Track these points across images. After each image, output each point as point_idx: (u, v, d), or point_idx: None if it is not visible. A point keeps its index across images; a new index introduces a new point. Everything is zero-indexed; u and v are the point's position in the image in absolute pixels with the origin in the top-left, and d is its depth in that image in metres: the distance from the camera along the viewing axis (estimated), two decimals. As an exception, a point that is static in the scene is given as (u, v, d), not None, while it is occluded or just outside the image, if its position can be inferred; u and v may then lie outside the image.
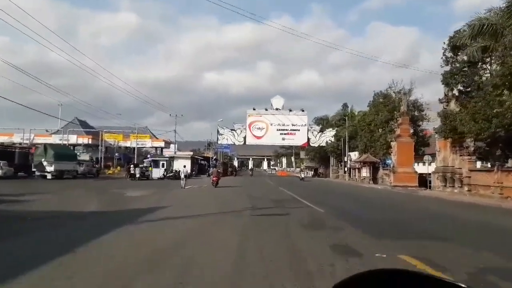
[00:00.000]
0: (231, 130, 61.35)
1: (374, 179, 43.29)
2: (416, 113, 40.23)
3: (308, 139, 61.28)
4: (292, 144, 66.35)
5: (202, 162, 70.03)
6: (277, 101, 61.72)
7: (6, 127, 58.37)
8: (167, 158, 45.55)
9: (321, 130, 61.93)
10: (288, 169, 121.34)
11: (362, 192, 26.84)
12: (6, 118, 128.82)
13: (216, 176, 28.75)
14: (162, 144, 69.22)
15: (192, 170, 56.42)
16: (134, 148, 73.21)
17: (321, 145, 61.42)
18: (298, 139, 61.38)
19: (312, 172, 77.37)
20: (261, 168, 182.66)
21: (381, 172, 42.78)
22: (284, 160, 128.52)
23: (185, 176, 29.91)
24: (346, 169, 53.30)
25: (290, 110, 61.09)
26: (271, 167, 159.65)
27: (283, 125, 60.97)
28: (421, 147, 41.15)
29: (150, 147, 70.55)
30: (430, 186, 30.55)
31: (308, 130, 61.41)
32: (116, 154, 59.49)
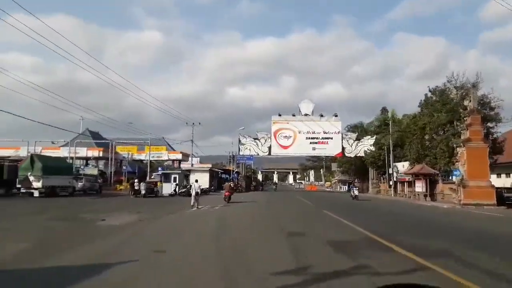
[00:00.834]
0: (254, 139, 54.34)
1: (432, 195, 34.90)
2: (487, 112, 31.87)
3: (343, 148, 53.36)
4: (324, 155, 58.46)
5: (223, 175, 63.22)
6: (306, 105, 54.43)
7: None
8: (179, 171, 38.85)
9: (358, 138, 53.90)
10: (316, 183, 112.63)
11: (453, 218, 18.48)
12: (28, 134, 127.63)
13: (228, 191, 26.34)
14: (179, 156, 62.94)
15: (210, 185, 49.68)
16: (150, 161, 67.69)
17: (358, 155, 53.33)
18: (331, 149, 53.57)
19: (346, 187, 68.80)
20: (286, 182, 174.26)
21: (440, 186, 34.38)
22: (311, 173, 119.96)
23: (197, 193, 23.04)
24: (391, 182, 44.93)
25: (322, 116, 53.57)
26: (297, 181, 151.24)
27: (313, 132, 53.43)
28: (492, 155, 32.64)
29: (167, 159, 64.45)
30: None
31: (342, 138, 53.56)
32: (124, 167, 53.47)
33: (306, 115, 53.61)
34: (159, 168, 45.65)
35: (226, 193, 25.87)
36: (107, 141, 59.67)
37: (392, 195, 44.26)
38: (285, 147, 53.70)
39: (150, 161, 66.72)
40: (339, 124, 53.77)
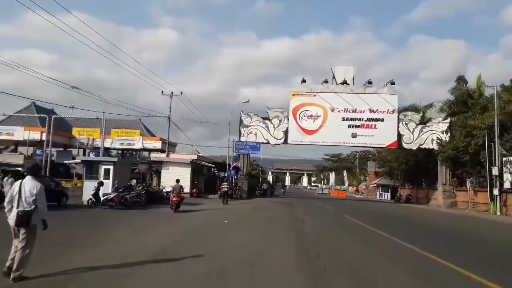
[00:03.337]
0: (263, 119, 36.09)
1: None
2: None
3: (400, 135, 34.73)
4: (369, 145, 39.54)
5: (219, 173, 45.26)
6: (343, 71, 35.94)
7: None
8: (115, 160, 20.61)
9: (423, 122, 35.25)
10: (338, 187, 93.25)
11: None
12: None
13: (176, 195, 17.31)
14: (159, 144, 45.01)
15: (193, 185, 31.76)
16: (123, 149, 50.14)
17: (422, 146, 34.68)
18: (381, 136, 34.93)
19: (389, 194, 49.93)
20: (300, 184, 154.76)
21: None
22: (331, 175, 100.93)
23: (21, 219, 4.31)
24: (495, 192, 26.04)
25: (370, 83, 35.08)
26: (313, 184, 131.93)
27: (355, 111, 34.99)
28: None
29: (140, 148, 46.74)
30: None
31: (399, 120, 34.92)
32: (39, 151, 35.58)
33: (344, 83, 35.08)
34: (91, 154, 27.85)
35: (173, 199, 17.34)
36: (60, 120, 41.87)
37: (497, 213, 25.51)
38: (310, 132, 35.24)
39: (120, 150, 49.36)
40: (394, 99, 35.06)
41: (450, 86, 35.52)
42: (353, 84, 35.38)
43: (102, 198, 17.42)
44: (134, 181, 40.45)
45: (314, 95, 35.51)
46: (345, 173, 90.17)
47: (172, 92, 35.24)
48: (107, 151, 47.86)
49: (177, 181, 19.27)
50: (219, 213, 18.76)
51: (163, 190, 23.69)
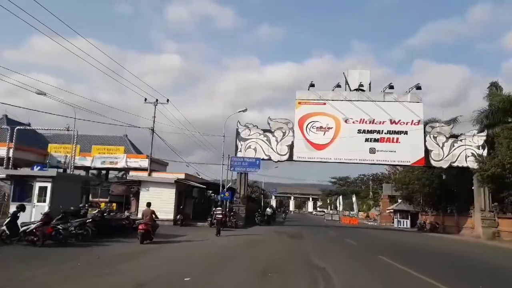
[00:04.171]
0: (264, 131, 30.60)
1: None
2: None
3: (427, 151, 29.04)
4: (391, 163, 33.35)
5: (214, 195, 39.45)
6: (357, 75, 30.75)
7: None
8: (54, 175, 14.92)
9: (454, 135, 29.66)
10: (346, 212, 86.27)
11: None
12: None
13: (146, 222, 13.82)
14: (145, 162, 39.31)
15: (178, 211, 25.92)
16: (105, 168, 44.81)
17: (454, 164, 28.92)
18: (404, 152, 29.27)
19: (408, 221, 43.61)
20: (304, 209, 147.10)
21: None
22: (340, 200, 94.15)
23: None
24: None
25: (391, 87, 29.76)
26: (318, 209, 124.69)
27: (373, 122, 29.53)
28: None
29: (124, 167, 41.01)
30: None
31: (425, 133, 29.35)
32: None
33: (359, 89, 29.77)
34: (34, 168, 22.31)
35: (140, 227, 13.62)
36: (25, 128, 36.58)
37: None
38: (320, 147, 29.62)
39: (102, 169, 44.02)
40: (419, 108, 29.61)
41: (484, 92, 29.89)
42: (369, 90, 30.10)
43: (20, 229, 11.76)
44: (114, 205, 34.71)
45: (324, 104, 30.14)
46: (354, 198, 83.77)
47: (156, 100, 30.07)
48: (87, 170, 42.46)
49: (148, 204, 14.27)
50: (194, 252, 12.98)
51: (130, 217, 17.95)
